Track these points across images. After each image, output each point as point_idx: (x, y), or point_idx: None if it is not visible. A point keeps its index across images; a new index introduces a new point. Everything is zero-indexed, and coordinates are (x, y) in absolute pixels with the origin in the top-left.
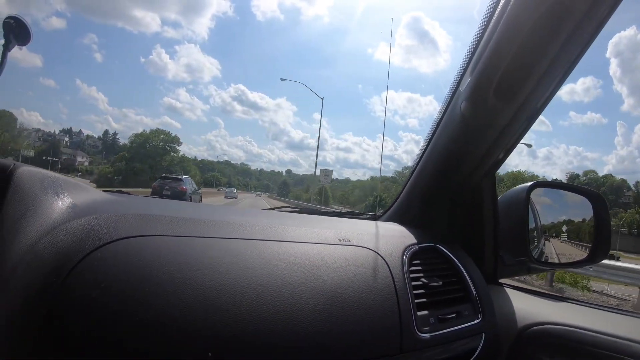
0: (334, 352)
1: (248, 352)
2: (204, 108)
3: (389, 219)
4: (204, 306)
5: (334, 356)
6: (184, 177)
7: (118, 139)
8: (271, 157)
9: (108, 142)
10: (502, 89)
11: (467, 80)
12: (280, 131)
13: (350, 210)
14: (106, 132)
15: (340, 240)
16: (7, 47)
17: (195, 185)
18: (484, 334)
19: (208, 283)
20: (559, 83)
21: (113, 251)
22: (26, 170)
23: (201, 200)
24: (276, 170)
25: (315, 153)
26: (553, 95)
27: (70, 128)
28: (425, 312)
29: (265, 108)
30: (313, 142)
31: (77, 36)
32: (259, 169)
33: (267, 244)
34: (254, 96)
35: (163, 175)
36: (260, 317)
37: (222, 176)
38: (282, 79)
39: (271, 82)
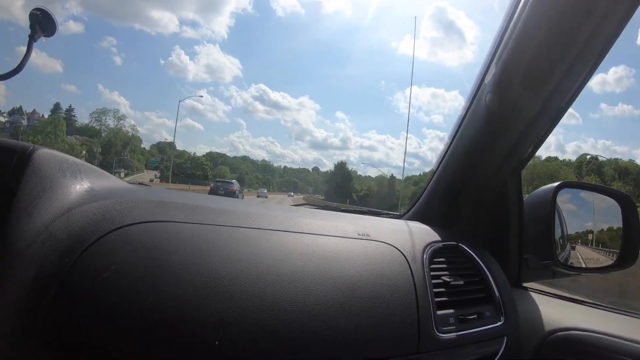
0: (348, 348)
1: (257, 342)
2: (225, 109)
3: (412, 218)
4: (214, 293)
5: (348, 352)
6: (233, 180)
7: (74, 116)
8: (294, 157)
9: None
10: (529, 79)
11: (492, 71)
12: (302, 131)
13: (372, 209)
14: (57, 106)
15: (359, 235)
16: (32, 38)
17: (239, 186)
18: (505, 338)
19: (220, 271)
20: (588, 73)
21: (127, 235)
22: (46, 152)
23: (243, 197)
24: (302, 168)
25: (338, 152)
26: (582, 87)
27: (20, 107)
28: (446, 311)
29: (287, 107)
30: (336, 141)
31: (96, 40)
32: (282, 166)
33: (284, 234)
34: (275, 95)
35: (217, 179)
36: (272, 307)
37: (232, 171)
38: None
39: (293, 80)
